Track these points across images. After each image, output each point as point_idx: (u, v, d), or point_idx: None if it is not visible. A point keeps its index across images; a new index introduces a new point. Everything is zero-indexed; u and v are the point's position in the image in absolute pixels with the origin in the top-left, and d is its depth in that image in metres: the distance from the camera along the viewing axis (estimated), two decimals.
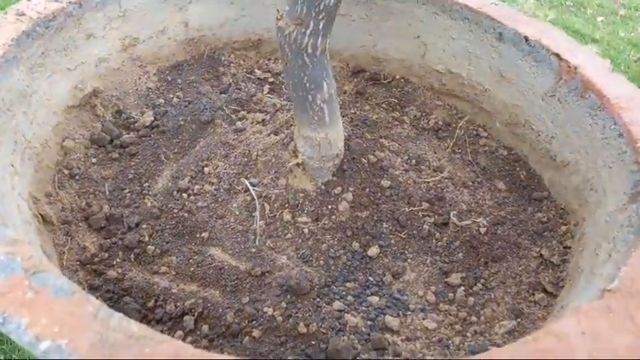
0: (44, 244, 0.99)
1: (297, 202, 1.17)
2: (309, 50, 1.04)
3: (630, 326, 0.70)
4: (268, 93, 1.56)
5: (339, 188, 1.19)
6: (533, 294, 1.07)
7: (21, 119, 1.12)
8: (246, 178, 1.21)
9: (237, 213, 1.17)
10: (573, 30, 3.15)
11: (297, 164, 1.18)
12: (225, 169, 1.25)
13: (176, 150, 1.34)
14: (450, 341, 0.97)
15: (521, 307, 1.04)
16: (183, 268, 1.06)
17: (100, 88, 1.40)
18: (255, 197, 1.17)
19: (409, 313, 1.02)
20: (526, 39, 1.32)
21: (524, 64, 1.34)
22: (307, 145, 1.16)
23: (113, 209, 1.16)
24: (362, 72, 1.65)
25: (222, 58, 1.66)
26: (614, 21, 3.35)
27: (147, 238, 1.11)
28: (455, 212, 1.20)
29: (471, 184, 1.31)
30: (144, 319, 0.96)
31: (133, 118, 1.41)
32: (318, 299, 1.02)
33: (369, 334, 0.96)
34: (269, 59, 1.71)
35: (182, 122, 1.39)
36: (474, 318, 1.02)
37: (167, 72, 1.58)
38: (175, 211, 1.17)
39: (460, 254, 1.14)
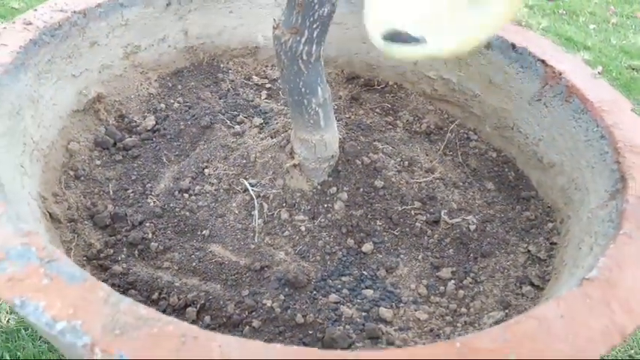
0: (53, 241, 1.03)
1: (294, 202, 1.21)
2: (304, 57, 1.09)
3: (606, 311, 0.75)
4: (266, 98, 1.61)
5: (335, 188, 1.24)
6: (521, 287, 1.11)
7: (29, 122, 1.16)
8: (245, 178, 1.26)
9: (237, 212, 1.21)
10: (566, 37, 3.20)
11: (294, 165, 1.23)
12: (224, 170, 1.29)
13: (177, 152, 1.39)
14: (440, 331, 1.02)
15: (509, 299, 1.09)
16: (186, 264, 1.10)
17: (104, 94, 1.45)
18: (254, 197, 1.22)
19: (402, 305, 1.07)
20: (513, 46, 1.38)
21: (511, 71, 1.40)
22: (303, 147, 1.21)
23: (117, 208, 1.20)
24: (356, 78, 1.71)
25: (221, 65, 1.72)
26: (606, 29, 3.41)
27: (150, 236, 1.15)
28: (446, 211, 1.25)
29: (461, 184, 1.36)
30: None
31: (136, 122, 1.46)
32: (314, 292, 1.06)
33: (363, 325, 1.01)
34: (266, 66, 1.76)
35: (183, 126, 1.44)
36: (463, 309, 1.07)
37: (168, 78, 1.63)
38: (177, 210, 1.21)
39: (451, 250, 1.19)
